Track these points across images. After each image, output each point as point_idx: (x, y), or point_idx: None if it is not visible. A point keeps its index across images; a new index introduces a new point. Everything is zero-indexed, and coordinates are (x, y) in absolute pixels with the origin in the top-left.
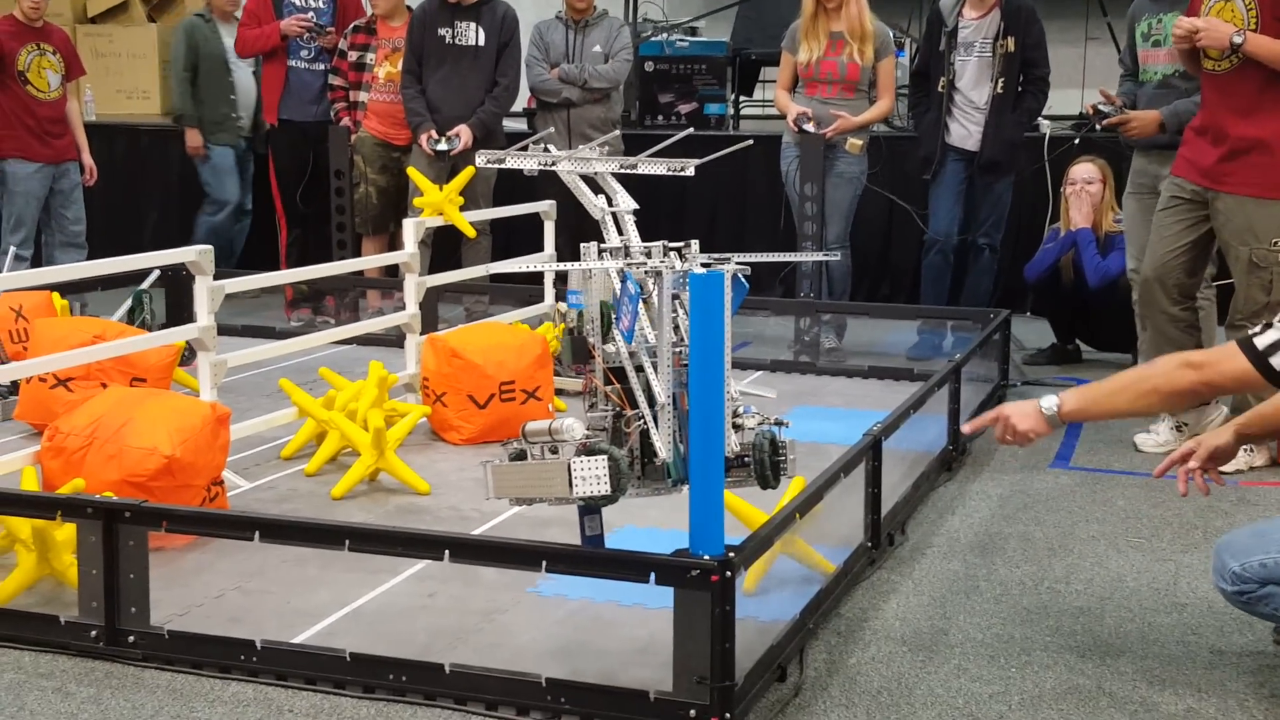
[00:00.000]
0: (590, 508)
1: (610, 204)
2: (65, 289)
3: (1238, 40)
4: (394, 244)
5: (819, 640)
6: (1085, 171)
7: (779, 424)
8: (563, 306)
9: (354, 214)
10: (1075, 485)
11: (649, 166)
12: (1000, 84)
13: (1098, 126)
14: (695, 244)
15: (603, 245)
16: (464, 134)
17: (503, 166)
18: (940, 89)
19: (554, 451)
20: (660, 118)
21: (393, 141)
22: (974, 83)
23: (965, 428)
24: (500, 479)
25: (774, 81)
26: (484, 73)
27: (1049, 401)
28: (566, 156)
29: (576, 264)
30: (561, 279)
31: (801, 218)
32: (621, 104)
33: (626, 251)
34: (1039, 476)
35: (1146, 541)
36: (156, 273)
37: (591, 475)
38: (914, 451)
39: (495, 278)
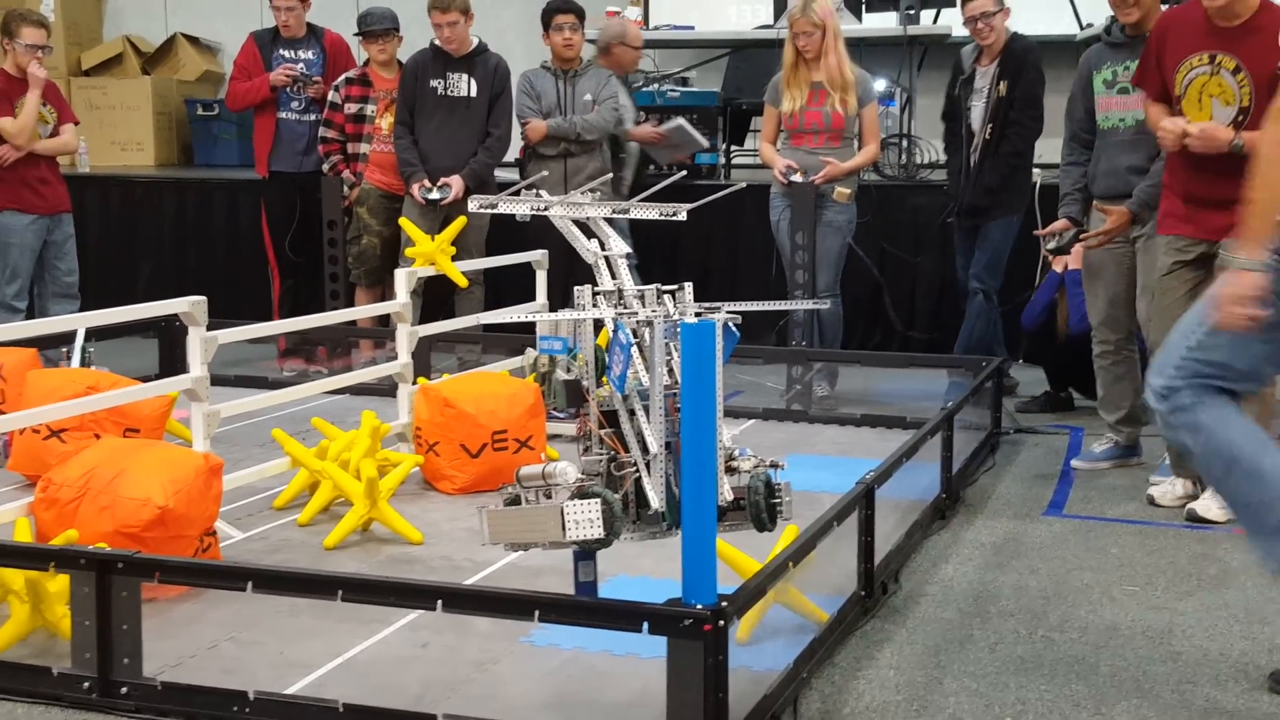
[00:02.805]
0: (584, 554)
1: (604, 248)
2: (54, 341)
3: (1238, 144)
4: (388, 295)
5: (813, 690)
6: None
7: (774, 466)
8: (532, 353)
9: (352, 265)
10: (1069, 533)
11: (641, 211)
12: (989, 130)
13: (1051, 257)
14: (689, 286)
15: (596, 289)
16: (455, 184)
17: (495, 211)
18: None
19: (548, 496)
20: (653, 167)
21: (397, 193)
22: (980, 128)
23: None
24: (496, 524)
25: None
26: (476, 123)
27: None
28: (559, 201)
29: (568, 313)
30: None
31: (792, 267)
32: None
33: (620, 295)
34: (1033, 524)
35: (1141, 590)
36: (83, 330)
37: (585, 519)
38: (907, 499)
39: (488, 327)
